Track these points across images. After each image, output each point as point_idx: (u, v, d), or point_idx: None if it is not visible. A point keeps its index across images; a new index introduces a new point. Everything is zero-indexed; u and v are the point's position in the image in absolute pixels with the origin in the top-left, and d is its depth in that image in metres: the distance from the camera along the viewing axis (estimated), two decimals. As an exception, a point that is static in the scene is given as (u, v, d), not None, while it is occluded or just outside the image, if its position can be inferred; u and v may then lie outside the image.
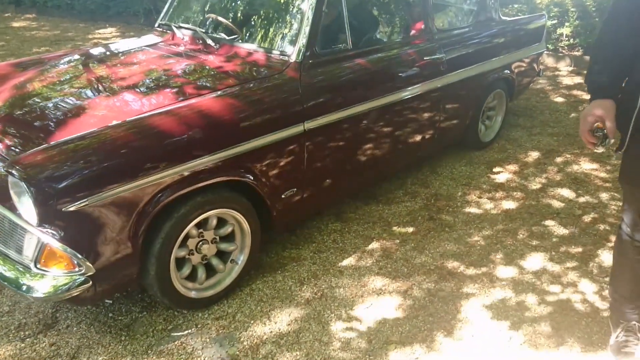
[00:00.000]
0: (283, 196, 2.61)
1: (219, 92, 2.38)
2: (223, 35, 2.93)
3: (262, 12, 2.94)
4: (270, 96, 2.44)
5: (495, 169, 3.93)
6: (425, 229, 3.12)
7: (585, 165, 3.95)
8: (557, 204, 3.40)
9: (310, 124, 2.56)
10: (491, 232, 3.08)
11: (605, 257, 2.81)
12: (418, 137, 3.42)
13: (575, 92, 5.71)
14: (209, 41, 2.88)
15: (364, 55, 2.91)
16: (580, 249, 2.90)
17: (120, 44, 3.35)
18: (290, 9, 2.76)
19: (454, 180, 3.76)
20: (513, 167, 3.95)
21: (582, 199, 3.43)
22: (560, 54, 6.70)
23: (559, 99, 5.51)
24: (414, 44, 3.26)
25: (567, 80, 6.14)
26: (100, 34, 8.74)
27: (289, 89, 2.51)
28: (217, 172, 2.22)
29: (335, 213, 3.29)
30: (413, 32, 3.35)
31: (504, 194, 3.54)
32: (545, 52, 5.20)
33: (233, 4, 3.24)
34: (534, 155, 4.17)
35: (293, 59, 2.59)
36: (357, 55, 2.87)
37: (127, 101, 2.39)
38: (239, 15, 3.11)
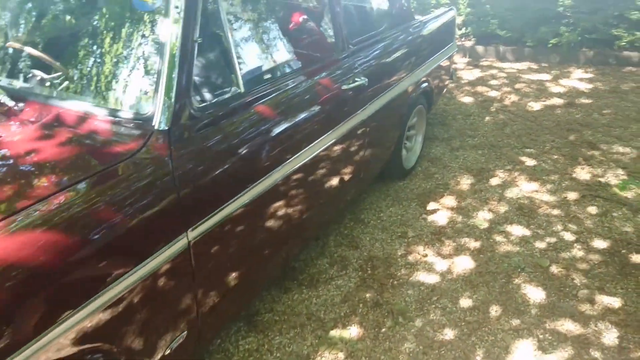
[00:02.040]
0: (168, 351, 1.60)
1: (13, 222, 1.24)
2: (37, 75, 1.78)
3: (99, 45, 1.82)
4: (120, 206, 1.38)
5: (430, 206, 3.23)
6: (372, 325, 2.30)
7: (525, 186, 3.42)
8: (515, 250, 2.79)
9: (197, 231, 1.57)
10: (457, 316, 2.35)
11: (608, 338, 2.22)
12: (341, 186, 2.56)
13: (479, 88, 5.28)
14: (2, 98, 1.71)
15: (264, 98, 1.95)
16: (570, 326, 2.28)
17: None
18: (145, 40, 1.70)
19: (386, 231, 2.98)
20: (449, 201, 3.28)
21: (539, 243, 2.85)
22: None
23: (467, 99, 5.02)
24: (328, 69, 2.36)
25: (467, 75, 5.72)
26: None
27: (154, 180, 1.48)
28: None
29: (245, 317, 2.33)
30: (324, 52, 2.45)
31: (452, 246, 2.84)
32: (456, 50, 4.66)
33: (51, 27, 2.06)
34: (465, 179, 3.55)
35: (157, 126, 1.55)
36: (253, 100, 1.90)
37: None
38: (62, 48, 1.95)
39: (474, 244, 2.85)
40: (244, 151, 1.78)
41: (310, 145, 2.12)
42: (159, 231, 1.45)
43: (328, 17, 2.43)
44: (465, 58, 6.26)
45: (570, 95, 4.97)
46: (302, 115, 2.10)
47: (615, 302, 2.38)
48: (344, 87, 2.37)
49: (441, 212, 3.16)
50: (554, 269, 2.63)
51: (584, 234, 2.91)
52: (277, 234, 2.07)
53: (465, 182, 3.50)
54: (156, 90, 1.57)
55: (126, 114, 1.60)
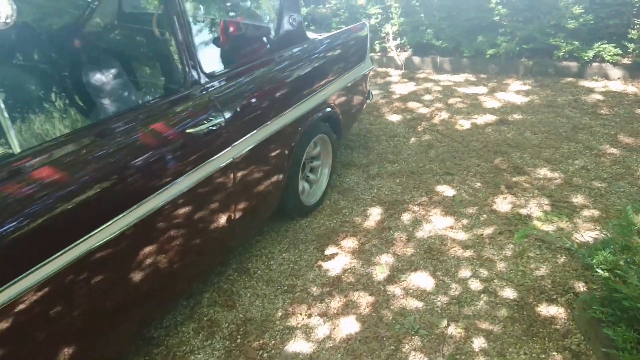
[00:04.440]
0: None
1: None
2: None
3: None
4: None
5: (329, 250, 2.90)
6: (224, 417, 1.94)
7: (438, 222, 3.11)
8: (412, 306, 2.48)
9: None
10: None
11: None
12: (198, 251, 2.20)
13: (410, 104, 4.99)
14: None
15: (38, 156, 1.57)
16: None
17: None
18: None
19: (272, 285, 2.63)
20: (350, 242, 2.95)
21: (442, 295, 2.54)
22: (390, 56, 6.01)
23: (395, 117, 4.72)
24: (167, 109, 1.99)
25: (400, 88, 5.44)
26: None
27: None
28: None
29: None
30: (161, 89, 2.08)
31: (342, 302, 2.51)
32: (372, 68, 4.33)
33: None
34: (374, 214, 3.23)
35: None
36: (28, 165, 1.51)
37: None
38: None
39: (367, 299, 2.52)
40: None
41: (142, 203, 1.75)
42: None
43: (174, 44, 2.06)
44: (401, 69, 5.99)
45: (505, 110, 4.73)
46: (116, 175, 1.72)
47: (513, 374, 2.08)
48: (191, 130, 2.00)
49: (339, 258, 2.83)
50: (452, 329, 2.32)
51: (494, 281, 2.61)
52: (120, 299, 1.70)
53: (374, 219, 3.18)
54: None
55: None
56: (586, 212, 3.15)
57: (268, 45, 2.65)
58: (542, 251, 2.82)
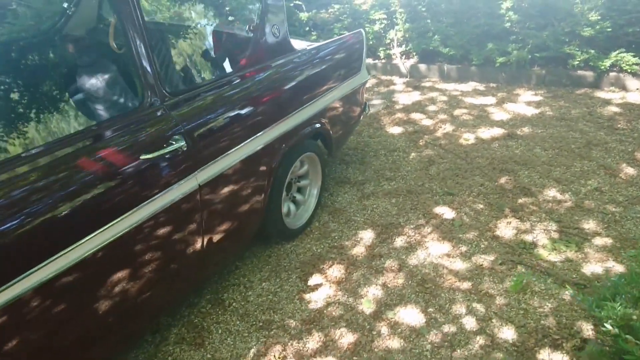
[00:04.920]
0: None
1: None
2: None
3: None
4: None
5: (313, 279, 2.68)
6: None
7: (434, 249, 2.87)
8: (398, 347, 2.25)
9: None
10: None
11: None
12: (162, 284, 1.99)
13: (413, 115, 4.75)
14: None
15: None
16: None
17: None
18: None
19: (246, 319, 2.42)
20: (337, 271, 2.73)
21: (433, 335, 2.30)
22: (395, 64, 5.76)
23: (396, 129, 4.48)
24: (116, 135, 1.79)
25: (404, 98, 5.19)
26: None
27: None
28: None
29: None
30: (112, 110, 1.88)
31: (321, 341, 2.28)
32: (368, 79, 4.10)
33: None
34: (366, 238, 3.00)
35: None
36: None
37: None
38: None
39: (349, 339, 2.29)
40: None
41: (94, 234, 1.56)
42: None
43: (130, 58, 1.86)
44: (406, 77, 5.74)
45: (514, 123, 4.46)
46: (56, 207, 1.52)
47: None
48: (147, 156, 1.79)
49: (323, 289, 2.61)
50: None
51: (492, 320, 2.37)
52: (74, 336, 1.51)
53: (365, 244, 2.95)
54: None
55: None
56: (598, 241, 2.88)
57: (245, 58, 2.44)
58: (548, 285, 2.57)
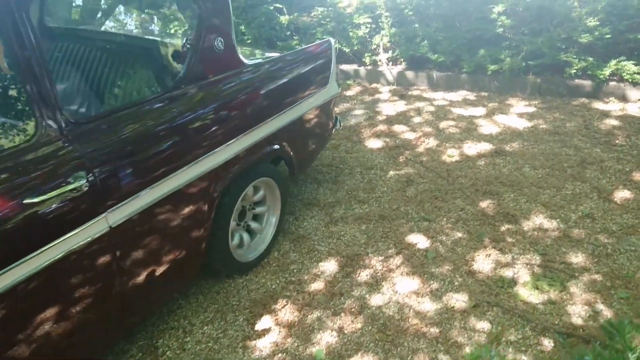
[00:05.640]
0: None
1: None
2: None
3: None
4: None
5: (261, 322, 2.41)
6: None
7: (401, 286, 2.60)
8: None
9: None
10: None
11: None
12: (68, 340, 1.72)
13: (395, 127, 4.46)
14: None
15: None
16: None
17: None
18: None
19: (179, 373, 2.14)
20: (290, 313, 2.45)
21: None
22: (381, 71, 5.47)
23: (376, 144, 4.20)
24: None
25: (388, 108, 4.90)
26: None
27: None
28: None
29: None
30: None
31: (258, 404, 2.00)
32: (338, 92, 3.81)
33: None
34: (327, 272, 2.72)
35: None
36: None
37: None
38: None
39: (292, 401, 2.01)
40: None
41: None
42: None
43: (21, 79, 1.58)
44: (392, 85, 5.44)
45: (503, 138, 4.16)
46: None
47: None
48: (31, 200, 1.52)
49: (272, 335, 2.33)
50: None
51: (457, 377, 2.08)
52: None
53: (326, 278, 2.68)
54: None
55: None
56: (586, 277, 2.60)
57: (176, 76, 2.16)
58: (526, 333, 2.28)
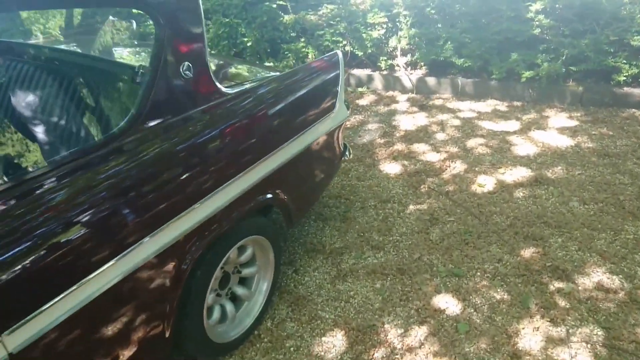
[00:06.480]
0: None
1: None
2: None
3: None
4: None
5: None
6: None
7: (427, 377, 2.03)
8: None
9: None
10: None
11: None
12: None
13: (415, 147, 3.87)
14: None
15: None
16: None
17: None
18: None
19: None
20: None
21: None
22: (398, 76, 4.87)
23: (393, 168, 3.62)
24: None
25: (407, 122, 4.31)
26: None
27: None
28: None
29: None
30: None
31: None
32: (347, 117, 3.18)
33: None
34: (333, 351, 2.19)
35: None
36: None
37: None
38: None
39: None
40: None
41: None
42: None
43: None
44: (411, 93, 4.84)
45: (543, 160, 3.56)
46: None
47: None
48: None
49: None
50: None
51: None
52: None
53: (330, 363, 2.12)
54: None
55: None
56: (666, 365, 2.01)
57: (124, 118, 1.60)
58: None
